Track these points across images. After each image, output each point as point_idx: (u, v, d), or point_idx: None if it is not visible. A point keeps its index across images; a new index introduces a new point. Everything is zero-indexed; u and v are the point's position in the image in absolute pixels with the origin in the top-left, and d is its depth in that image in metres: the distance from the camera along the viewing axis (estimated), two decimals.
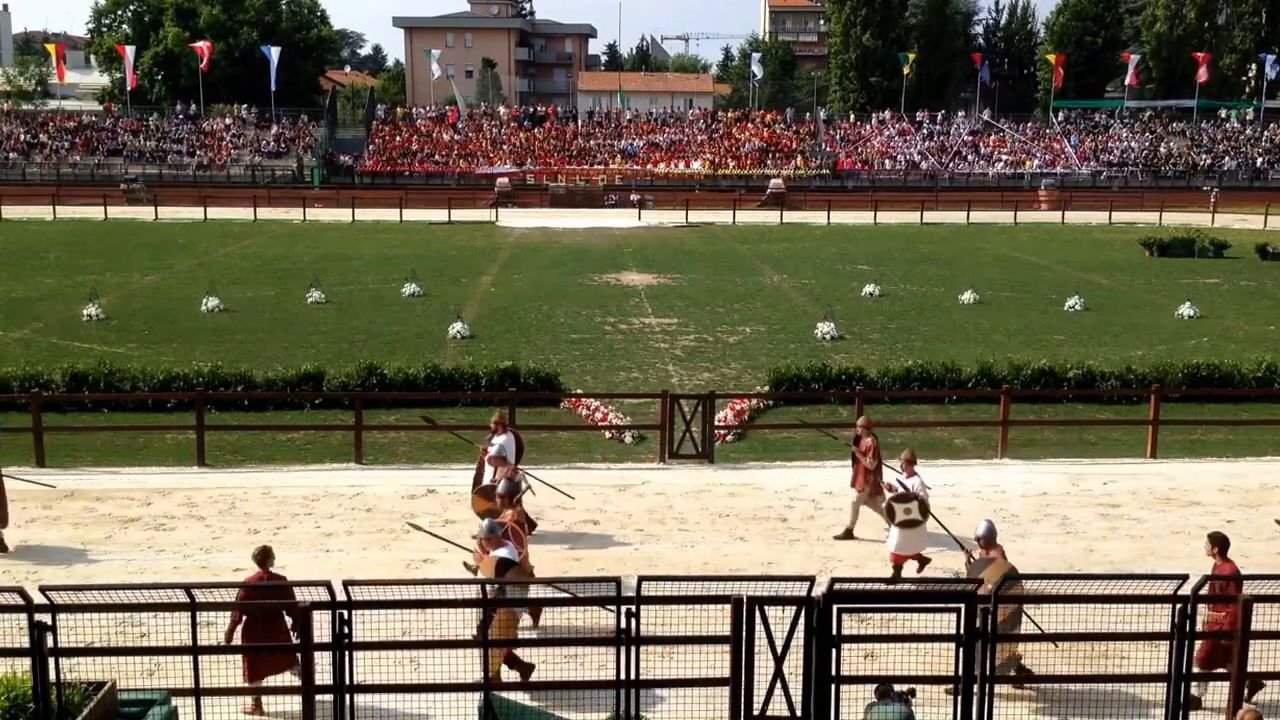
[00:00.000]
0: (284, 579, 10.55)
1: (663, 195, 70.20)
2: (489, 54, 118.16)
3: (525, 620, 11.42)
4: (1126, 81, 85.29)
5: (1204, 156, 79.25)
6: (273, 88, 79.41)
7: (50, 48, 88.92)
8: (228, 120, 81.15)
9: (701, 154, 78.38)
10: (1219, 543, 10.96)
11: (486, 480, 14.27)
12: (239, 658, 10.13)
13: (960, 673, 9.31)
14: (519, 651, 10.68)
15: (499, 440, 14.70)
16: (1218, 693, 9.67)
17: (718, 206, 65.41)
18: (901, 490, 13.32)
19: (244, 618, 10.14)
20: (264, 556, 10.56)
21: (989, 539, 11.12)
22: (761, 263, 43.40)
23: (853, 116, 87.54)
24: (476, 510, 14.06)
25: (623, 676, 9.28)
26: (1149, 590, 9.60)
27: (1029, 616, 10.25)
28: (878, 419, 19.84)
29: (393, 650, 9.89)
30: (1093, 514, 15.89)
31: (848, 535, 14.82)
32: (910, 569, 13.50)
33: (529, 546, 12.43)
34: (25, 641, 8.81)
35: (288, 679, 10.08)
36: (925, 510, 13.16)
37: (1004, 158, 79.69)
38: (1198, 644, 9.80)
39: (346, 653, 9.25)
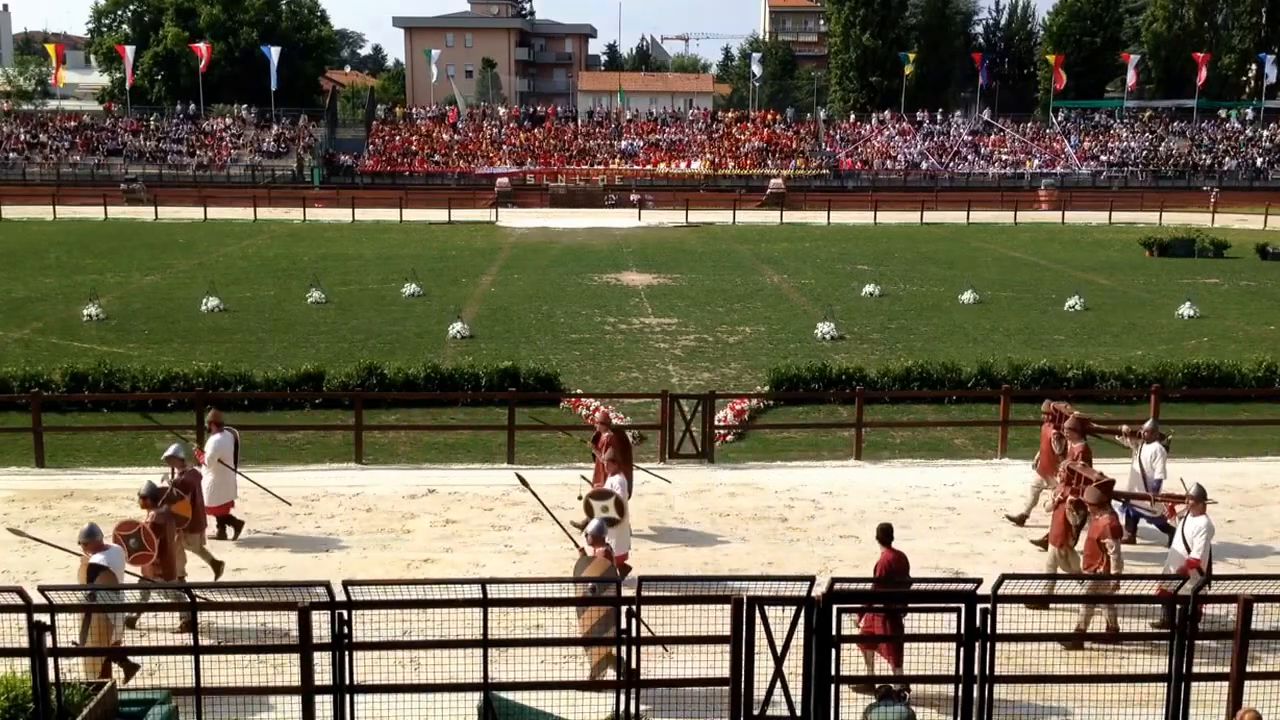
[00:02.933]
0: None
1: (663, 195, 70.20)
2: (489, 54, 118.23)
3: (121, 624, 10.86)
4: (1126, 81, 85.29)
5: (1204, 156, 79.26)
6: (273, 88, 79.41)
7: (50, 48, 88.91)
8: (228, 120, 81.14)
9: (701, 154, 78.39)
10: (882, 532, 10.98)
11: (206, 483, 13.88)
12: (239, 658, 10.13)
13: (960, 673, 9.31)
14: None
15: (214, 439, 14.46)
16: (1218, 692, 9.67)
17: (718, 206, 65.41)
18: (601, 488, 13.12)
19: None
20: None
21: (597, 536, 11.03)
22: (761, 263, 43.40)
23: (853, 116, 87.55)
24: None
25: (623, 677, 9.28)
26: (1149, 590, 9.60)
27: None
28: (878, 419, 19.92)
29: (393, 650, 9.90)
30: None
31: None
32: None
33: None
34: (25, 641, 8.80)
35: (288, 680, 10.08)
36: (621, 509, 12.90)
37: (1004, 158, 79.70)
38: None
39: (346, 653, 9.25)
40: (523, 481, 12.85)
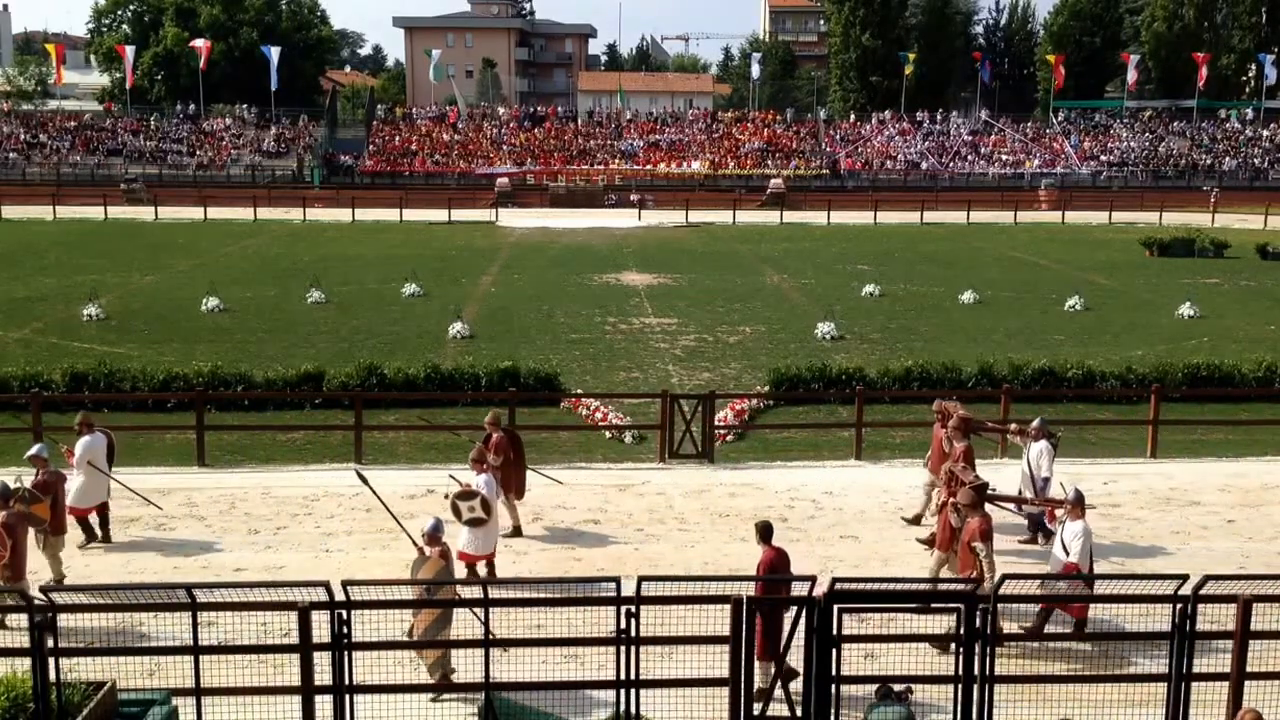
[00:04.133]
0: None
1: (663, 195, 70.20)
2: (489, 54, 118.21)
3: None
4: (1126, 81, 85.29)
5: (1204, 156, 79.26)
6: (273, 88, 79.40)
7: (50, 48, 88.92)
8: (228, 120, 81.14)
9: (701, 154, 78.38)
10: (761, 530, 10.93)
11: (70, 485, 13.66)
12: (239, 658, 10.13)
13: (960, 673, 9.30)
14: None
15: (84, 441, 14.21)
16: (1218, 692, 9.67)
17: (718, 206, 65.41)
18: (465, 488, 13.03)
19: None
20: None
21: (433, 536, 10.92)
22: (761, 263, 43.40)
23: (853, 116, 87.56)
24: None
25: (623, 676, 9.28)
26: (1149, 590, 9.60)
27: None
28: (878, 419, 19.91)
29: (393, 650, 9.89)
30: (1092, 514, 15.80)
31: (516, 532, 14.67)
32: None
33: None
34: (25, 641, 8.80)
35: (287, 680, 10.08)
36: (488, 509, 12.84)
37: (1004, 158, 79.70)
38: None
39: (346, 653, 9.24)
40: (362, 479, 12.64)
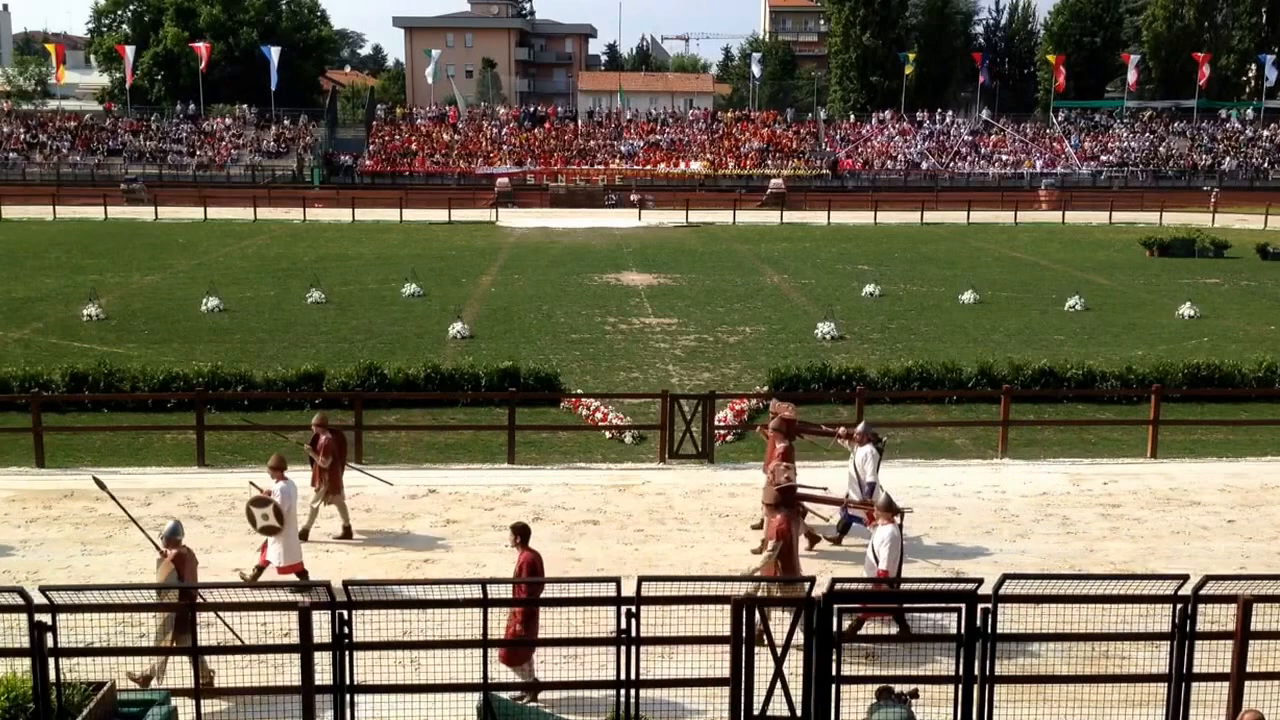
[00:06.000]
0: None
1: (663, 195, 70.19)
2: (489, 54, 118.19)
3: None
4: (1127, 81, 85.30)
5: (1204, 156, 79.25)
6: (273, 88, 79.40)
7: (50, 48, 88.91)
8: (228, 120, 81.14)
9: (702, 154, 78.38)
10: (518, 532, 10.90)
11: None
12: (239, 658, 10.13)
13: (960, 673, 9.30)
14: None
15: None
16: (1218, 692, 9.66)
17: (718, 206, 65.40)
18: (261, 494, 12.89)
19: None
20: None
21: (169, 539, 10.80)
22: (761, 263, 43.40)
23: (853, 116, 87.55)
24: None
25: (623, 676, 9.28)
26: (1149, 590, 9.59)
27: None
28: (879, 419, 19.89)
29: (393, 650, 9.89)
30: (1093, 514, 15.89)
31: (347, 534, 14.63)
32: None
33: None
34: (25, 641, 8.80)
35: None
36: (281, 516, 12.67)
37: (1004, 158, 79.70)
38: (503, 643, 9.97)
39: (346, 653, 9.24)
40: (100, 484, 12.49)
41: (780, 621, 9.75)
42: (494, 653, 9.91)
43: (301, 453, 15.13)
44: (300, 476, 14.17)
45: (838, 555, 14.36)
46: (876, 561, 11.64)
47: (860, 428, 14.89)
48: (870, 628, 11.58)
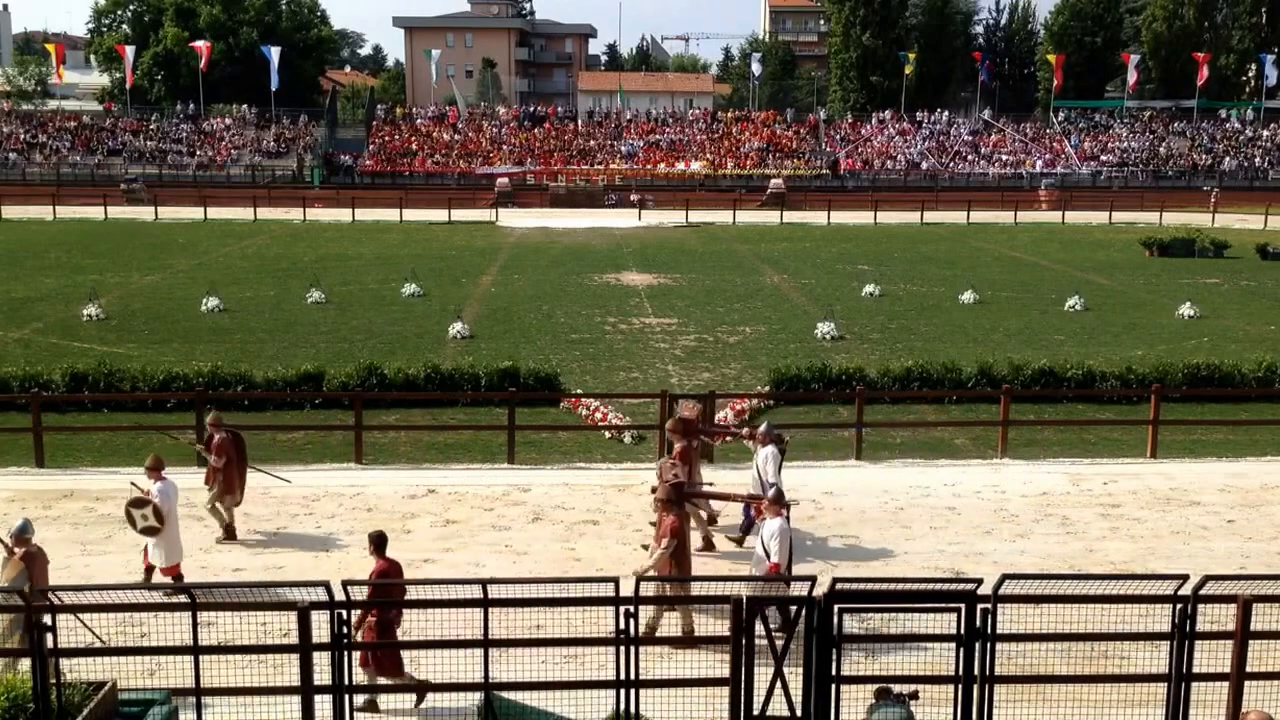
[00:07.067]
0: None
1: (663, 195, 70.19)
2: (489, 54, 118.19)
3: None
4: (1127, 81, 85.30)
5: (1204, 156, 79.26)
6: (273, 88, 79.40)
7: (50, 48, 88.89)
8: (228, 120, 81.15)
9: (701, 154, 78.38)
10: (373, 541, 10.79)
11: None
12: (239, 658, 10.13)
13: (960, 673, 9.30)
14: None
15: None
16: (1218, 692, 9.66)
17: (718, 206, 65.41)
18: (140, 495, 12.75)
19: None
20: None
21: (19, 536, 10.65)
22: (761, 263, 43.40)
23: (852, 116, 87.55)
24: None
25: (623, 676, 9.28)
26: (1149, 590, 9.59)
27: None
28: (879, 419, 19.91)
29: (392, 650, 9.89)
30: (1093, 514, 15.89)
31: (229, 535, 14.47)
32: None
33: None
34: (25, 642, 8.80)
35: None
36: (161, 517, 12.58)
37: (1004, 158, 79.70)
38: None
39: (346, 653, 9.24)
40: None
41: (776, 621, 9.76)
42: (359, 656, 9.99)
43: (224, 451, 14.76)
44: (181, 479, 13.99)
45: (833, 555, 14.34)
46: (767, 555, 11.66)
47: (763, 428, 14.93)
48: (870, 627, 11.57)
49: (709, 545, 14.47)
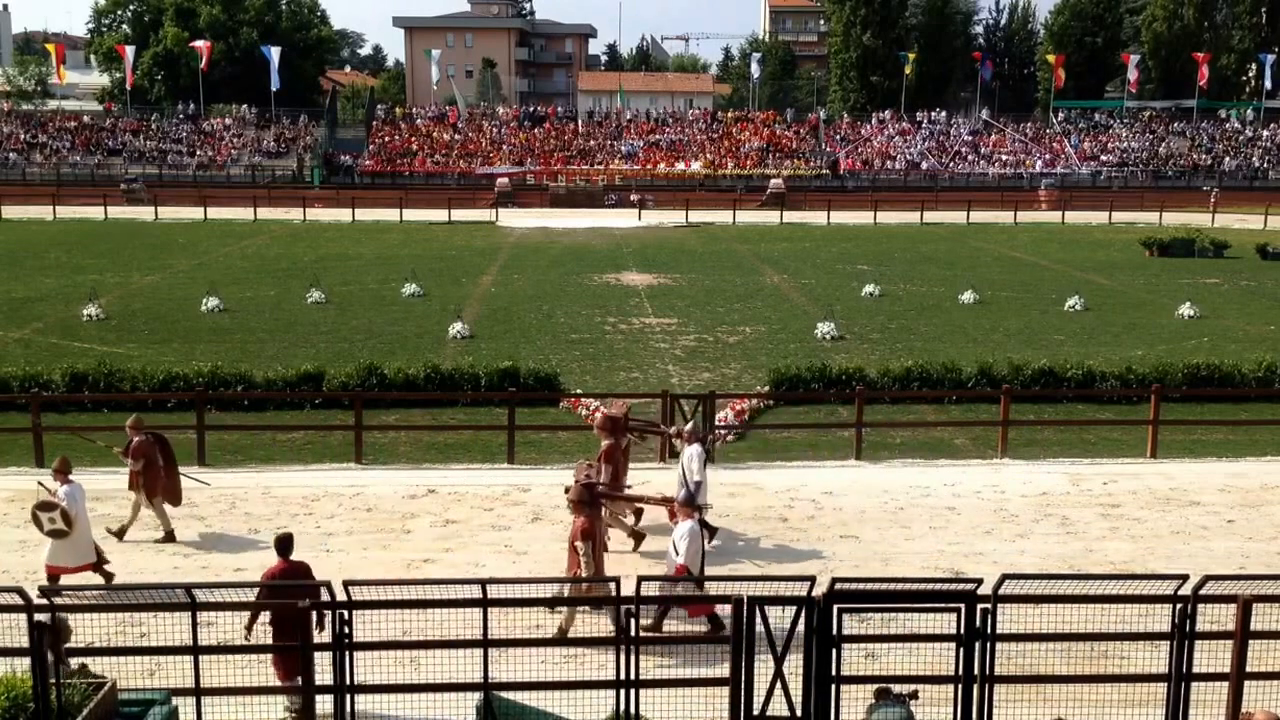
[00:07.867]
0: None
1: (663, 195, 70.19)
2: (489, 54, 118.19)
3: None
4: (1127, 81, 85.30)
5: (1204, 156, 79.26)
6: (273, 88, 79.39)
7: (50, 48, 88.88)
8: (228, 120, 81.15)
9: (701, 154, 78.38)
10: (277, 543, 10.67)
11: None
12: (239, 658, 10.13)
13: (960, 673, 9.30)
14: None
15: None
16: (1218, 692, 9.66)
17: (718, 206, 65.41)
18: (48, 498, 12.65)
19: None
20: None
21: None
22: (761, 263, 43.40)
23: (851, 116, 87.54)
24: None
25: (623, 676, 9.28)
26: (1149, 590, 9.59)
27: None
28: (879, 419, 19.91)
29: (393, 650, 9.89)
30: (1093, 514, 15.89)
31: (121, 533, 14.43)
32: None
33: None
34: (25, 641, 8.80)
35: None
36: (69, 520, 12.47)
37: (1004, 158, 79.70)
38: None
39: (346, 653, 9.24)
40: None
41: (781, 620, 9.74)
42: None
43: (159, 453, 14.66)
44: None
45: (833, 555, 14.34)
46: (676, 555, 11.69)
47: (689, 427, 14.98)
48: (870, 627, 11.57)
49: (638, 540, 14.38)
